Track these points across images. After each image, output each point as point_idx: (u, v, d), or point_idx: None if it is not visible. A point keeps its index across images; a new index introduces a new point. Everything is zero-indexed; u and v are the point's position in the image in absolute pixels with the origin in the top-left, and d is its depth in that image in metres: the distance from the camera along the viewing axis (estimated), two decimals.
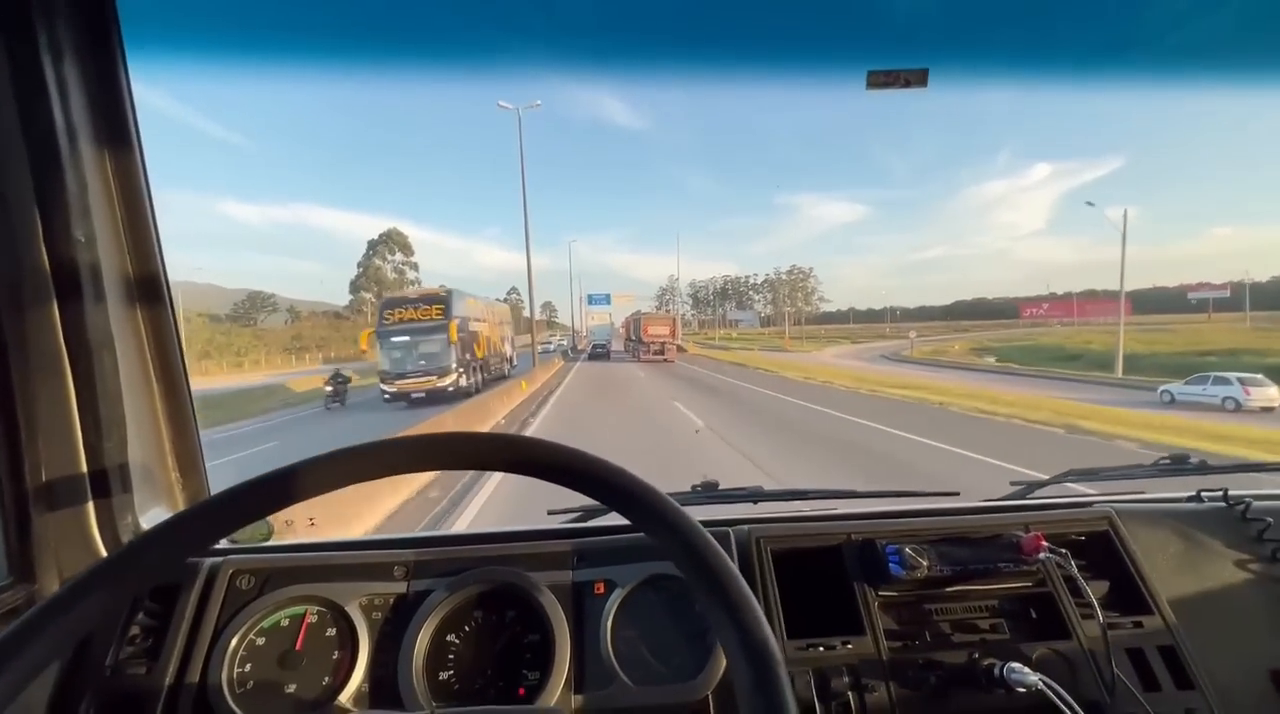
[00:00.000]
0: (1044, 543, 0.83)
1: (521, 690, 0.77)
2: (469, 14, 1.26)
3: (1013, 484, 1.30)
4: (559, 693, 0.75)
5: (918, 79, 0.91)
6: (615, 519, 1.04)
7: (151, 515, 0.87)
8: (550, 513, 1.15)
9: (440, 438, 0.48)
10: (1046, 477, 1.32)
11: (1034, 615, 0.88)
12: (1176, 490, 1.14)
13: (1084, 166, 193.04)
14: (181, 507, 0.93)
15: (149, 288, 0.86)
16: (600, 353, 43.18)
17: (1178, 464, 1.24)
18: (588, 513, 1.14)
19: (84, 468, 0.79)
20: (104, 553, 0.81)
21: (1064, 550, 0.83)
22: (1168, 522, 0.98)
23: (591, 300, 62.25)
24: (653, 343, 34.10)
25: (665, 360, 33.01)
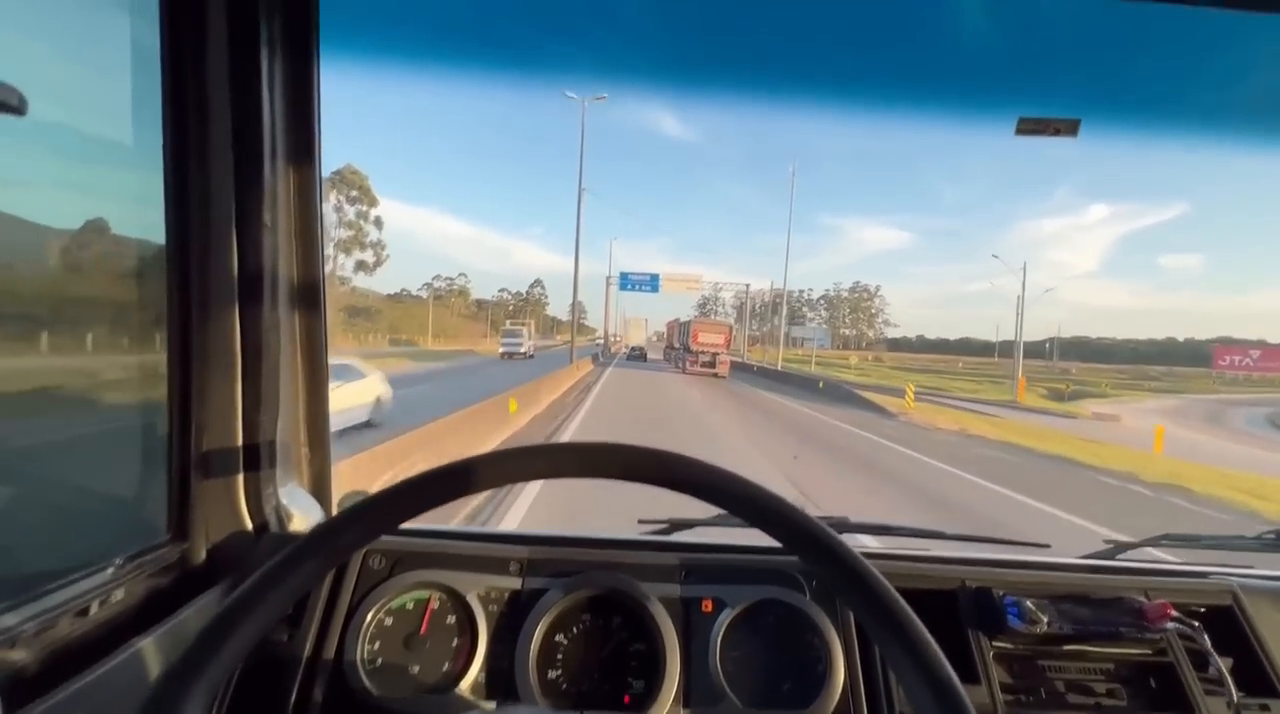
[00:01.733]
0: (1173, 612, 0.81)
1: (627, 698, 0.79)
2: (527, 18, 1.30)
3: (1106, 542, 1.25)
4: (668, 706, 0.77)
5: (1068, 128, 0.89)
6: (710, 535, 1.07)
7: (287, 490, 0.93)
8: (641, 522, 1.17)
9: (611, 448, 0.50)
10: (1139, 539, 1.25)
11: (1153, 686, 0.85)
12: (1273, 568, 1.07)
13: (1146, 209, 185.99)
14: (308, 481, 0.99)
15: (309, 279, 0.92)
16: (636, 355, 41.64)
17: None
18: (675, 525, 1.15)
19: (240, 441, 0.85)
20: (248, 521, 0.86)
21: (1196, 624, 0.81)
22: None
23: (626, 283, 38.85)
24: (703, 353, 28.77)
25: (715, 375, 27.57)
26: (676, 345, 34.77)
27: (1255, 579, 1.00)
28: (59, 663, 0.59)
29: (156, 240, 0.78)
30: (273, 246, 0.83)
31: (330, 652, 0.78)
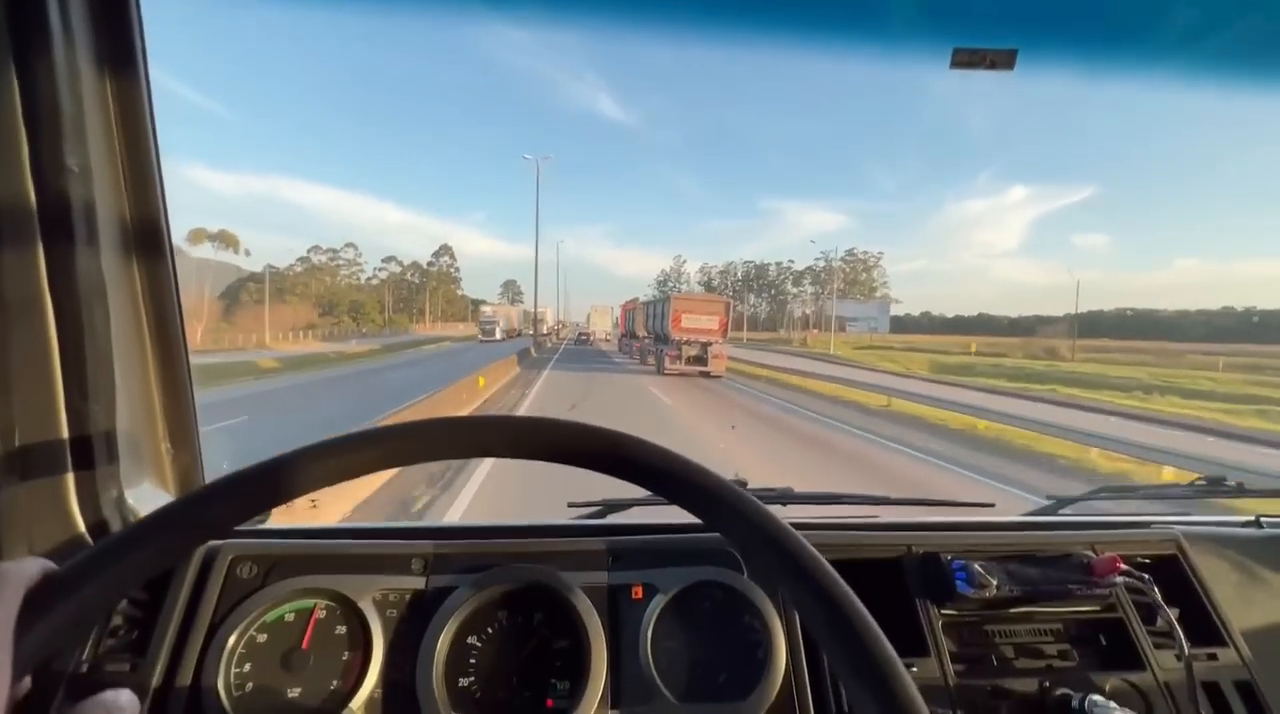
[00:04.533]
0: (1122, 565, 0.78)
1: (550, 702, 0.70)
2: None
3: (1048, 497, 1.25)
4: (595, 707, 0.68)
5: (1004, 60, 0.83)
6: (647, 516, 0.97)
7: (139, 491, 0.78)
8: (571, 505, 1.08)
9: (497, 421, 0.42)
10: (1080, 493, 1.27)
11: (1103, 642, 0.83)
12: (1209, 514, 1.10)
13: (1059, 192, 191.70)
14: (172, 483, 0.85)
15: (148, 233, 0.77)
16: (583, 340, 36.12)
17: (1214, 485, 1.20)
18: (609, 507, 1.07)
19: (65, 433, 0.70)
20: (83, 529, 0.72)
21: (1146, 576, 0.78)
22: (1231, 547, 0.94)
23: None
24: (688, 343, 19.37)
25: (706, 373, 19.12)
26: (643, 334, 25.60)
27: (1196, 526, 1.00)
28: None
29: None
30: (84, 198, 0.68)
31: (186, 679, 0.65)
